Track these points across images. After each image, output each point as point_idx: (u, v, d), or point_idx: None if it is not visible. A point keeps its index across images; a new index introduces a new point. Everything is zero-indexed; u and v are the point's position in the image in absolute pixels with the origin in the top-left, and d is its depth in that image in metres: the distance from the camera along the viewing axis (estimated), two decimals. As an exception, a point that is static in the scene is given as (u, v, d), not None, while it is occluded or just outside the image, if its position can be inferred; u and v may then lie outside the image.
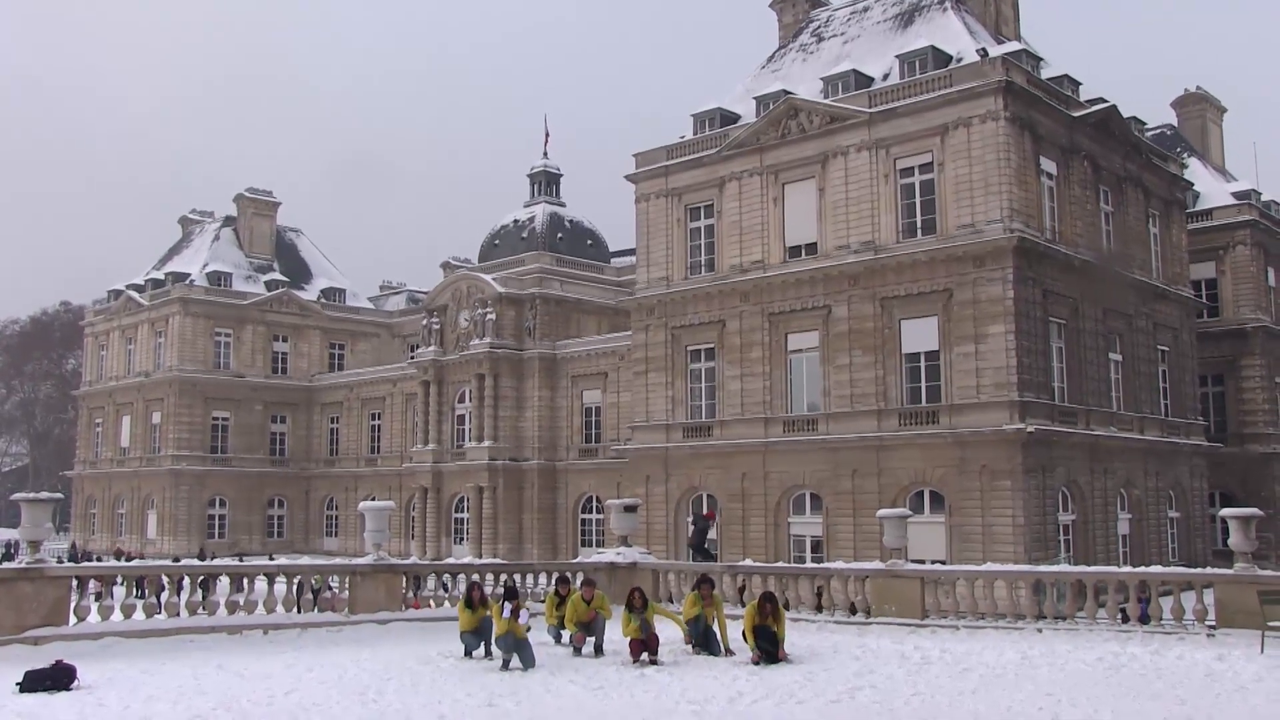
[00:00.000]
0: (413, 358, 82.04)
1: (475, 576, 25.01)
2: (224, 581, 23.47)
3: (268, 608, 23.10)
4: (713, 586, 21.29)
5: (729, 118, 54.46)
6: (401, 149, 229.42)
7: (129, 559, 67.04)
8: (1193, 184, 60.76)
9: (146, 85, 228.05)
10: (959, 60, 47.20)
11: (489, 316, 72.27)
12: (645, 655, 19.11)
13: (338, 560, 38.26)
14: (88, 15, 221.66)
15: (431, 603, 26.21)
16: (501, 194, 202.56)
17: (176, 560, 59.90)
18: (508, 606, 18.67)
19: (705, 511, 44.98)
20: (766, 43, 60.44)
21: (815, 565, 34.67)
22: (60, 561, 50.12)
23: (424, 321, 78.58)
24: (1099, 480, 46.50)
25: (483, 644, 19.85)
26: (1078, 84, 51.06)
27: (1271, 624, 19.85)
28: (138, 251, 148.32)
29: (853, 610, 25.01)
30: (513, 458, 71.13)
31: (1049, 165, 46.50)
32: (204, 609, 22.72)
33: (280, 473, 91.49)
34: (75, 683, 16.18)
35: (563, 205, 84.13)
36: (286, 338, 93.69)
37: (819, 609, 25.67)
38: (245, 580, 23.58)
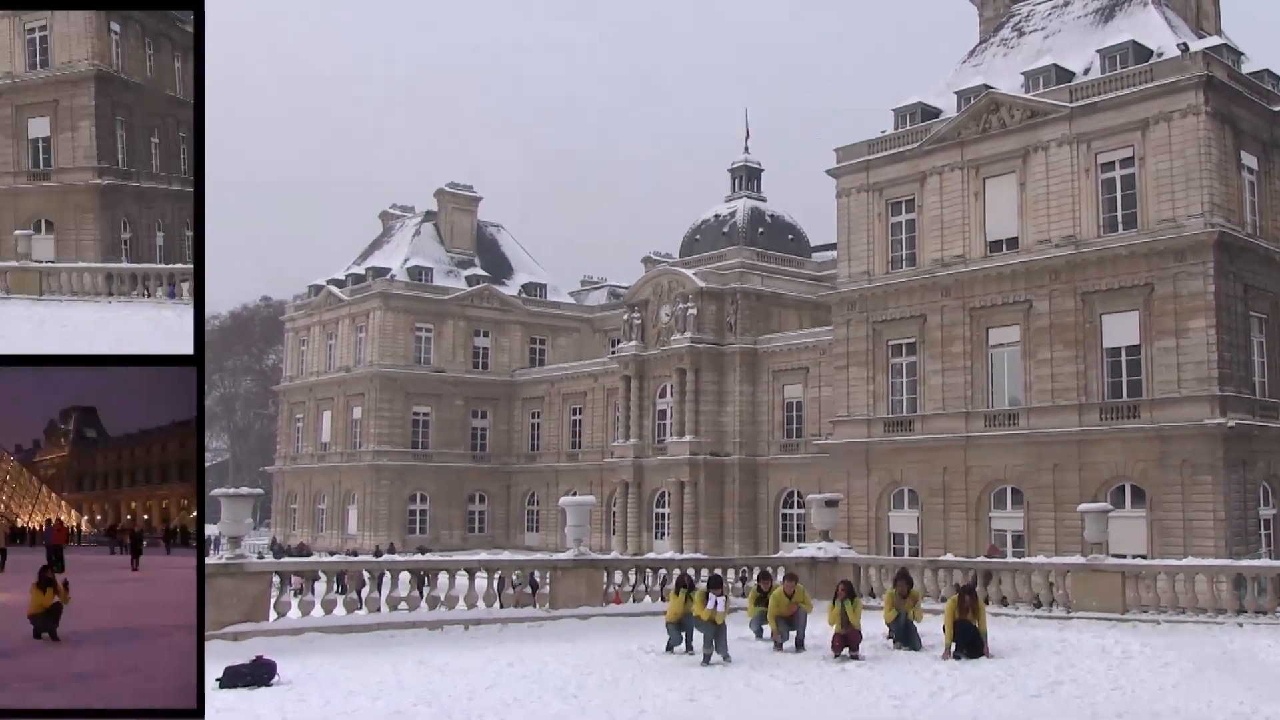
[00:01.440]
0: (613, 353, 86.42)
1: (677, 571, 26.25)
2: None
3: (468, 603, 24.44)
4: (910, 584, 22.61)
5: (930, 112, 58.77)
6: (603, 145, 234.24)
7: (306, 553, 72.05)
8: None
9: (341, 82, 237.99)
10: (1160, 55, 50.76)
11: (690, 311, 75.59)
12: (846, 650, 20.08)
13: (538, 555, 41.19)
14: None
15: (632, 598, 27.51)
16: (702, 189, 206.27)
17: (354, 554, 63.40)
18: (711, 596, 19.98)
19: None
20: (967, 37, 64.44)
21: (1016, 560, 36.40)
22: (261, 557, 57.08)
23: (624, 316, 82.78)
24: (1299, 475, 49.05)
25: (684, 638, 21.10)
26: (1278, 79, 53.92)
27: None
28: (338, 247, 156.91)
29: (1046, 604, 26.74)
30: (713, 452, 74.60)
31: (1249, 160, 49.83)
32: (405, 604, 23.74)
33: (481, 468, 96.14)
34: (275, 678, 17.21)
35: (763, 200, 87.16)
36: (487, 333, 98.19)
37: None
38: (445, 575, 25.05)
